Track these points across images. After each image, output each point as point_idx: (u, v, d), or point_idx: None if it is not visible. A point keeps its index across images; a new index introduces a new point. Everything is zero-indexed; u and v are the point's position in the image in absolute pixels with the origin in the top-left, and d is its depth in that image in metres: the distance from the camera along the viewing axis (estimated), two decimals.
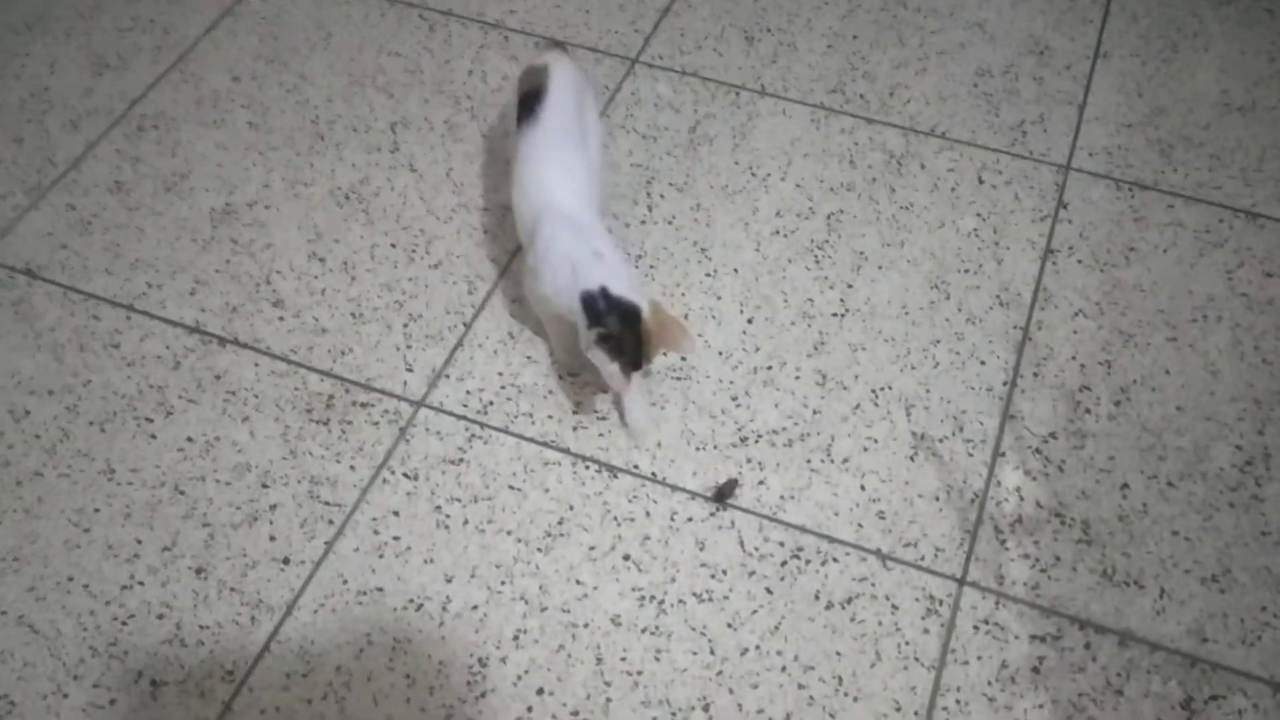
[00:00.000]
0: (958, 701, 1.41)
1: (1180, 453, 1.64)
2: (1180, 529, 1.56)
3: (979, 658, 1.45)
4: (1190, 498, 1.59)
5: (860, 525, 1.57)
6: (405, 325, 1.80)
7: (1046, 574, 1.52)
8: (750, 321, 1.79)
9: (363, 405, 1.70)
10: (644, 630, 1.48)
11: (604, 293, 1.50)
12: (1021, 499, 1.59)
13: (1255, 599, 1.50)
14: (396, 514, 1.59)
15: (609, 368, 1.49)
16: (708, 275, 1.85)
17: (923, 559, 1.54)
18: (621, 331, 1.49)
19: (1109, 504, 1.58)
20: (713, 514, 1.58)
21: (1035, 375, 1.72)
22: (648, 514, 1.58)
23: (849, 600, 1.50)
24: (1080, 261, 1.86)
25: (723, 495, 1.59)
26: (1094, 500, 1.59)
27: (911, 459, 1.63)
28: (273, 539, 1.57)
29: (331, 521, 1.58)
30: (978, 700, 1.41)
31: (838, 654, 1.45)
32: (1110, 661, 1.45)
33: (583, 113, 1.71)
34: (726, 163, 2.00)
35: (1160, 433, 1.65)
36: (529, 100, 1.68)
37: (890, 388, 1.71)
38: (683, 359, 1.73)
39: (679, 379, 1.72)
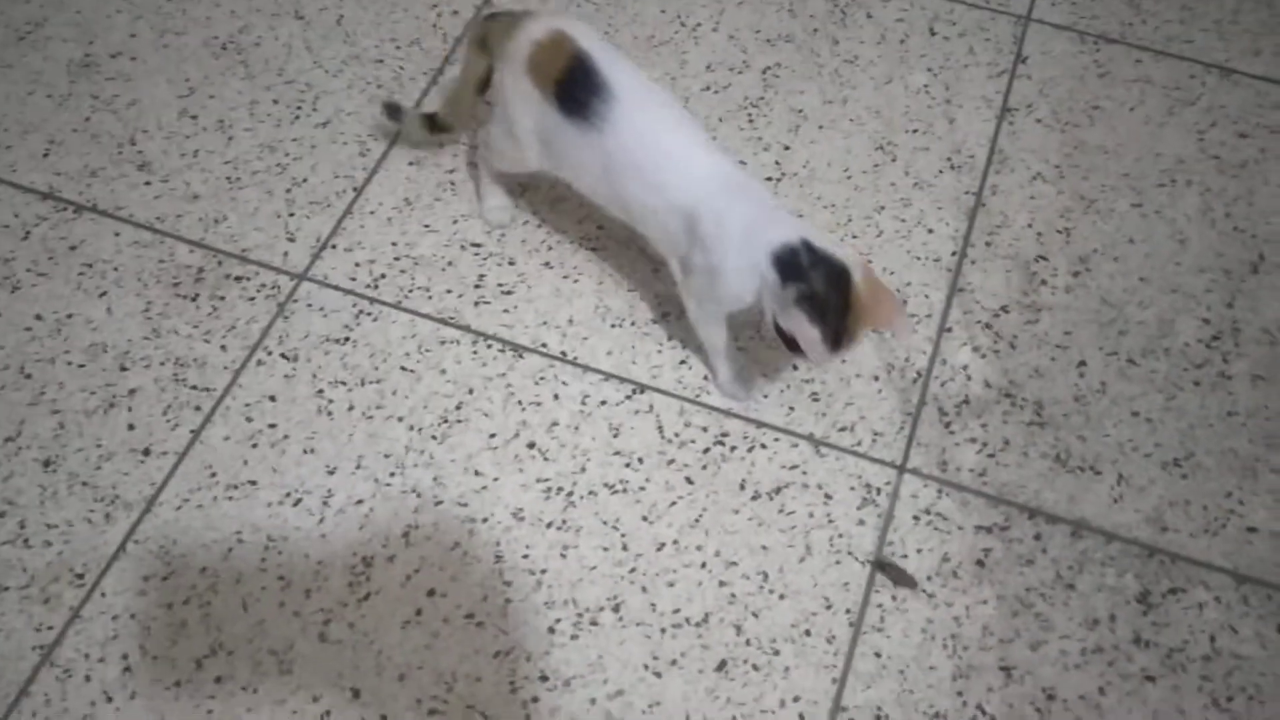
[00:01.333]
0: (894, 598, 1.28)
1: (1143, 327, 1.49)
2: (1141, 410, 1.42)
3: (919, 550, 1.31)
4: (1152, 376, 1.44)
5: (791, 409, 1.41)
6: (288, 190, 1.60)
7: (994, 459, 1.38)
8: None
9: (237, 279, 1.51)
10: (549, 525, 1.32)
11: (807, 245, 1.21)
12: (969, 378, 1.44)
13: (1220, 484, 1.37)
14: (273, 399, 1.41)
15: (810, 333, 1.19)
16: None
17: (859, 444, 1.39)
18: (827, 291, 1.20)
19: (1064, 383, 1.44)
20: (628, 397, 1.42)
21: (988, 244, 1.56)
22: (556, 397, 1.41)
23: (777, 490, 1.35)
24: (1039, 121, 1.69)
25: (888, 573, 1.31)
26: (1048, 379, 1.44)
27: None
28: (131, 427, 1.38)
29: (199, 408, 1.40)
30: (916, 596, 1.28)
31: (764, 548, 1.31)
32: (1062, 553, 1.32)
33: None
34: (652, 11, 1.80)
35: (1122, 306, 1.50)
36: (573, 84, 1.31)
37: None
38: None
39: (593, 249, 1.54)
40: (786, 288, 1.21)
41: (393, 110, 1.55)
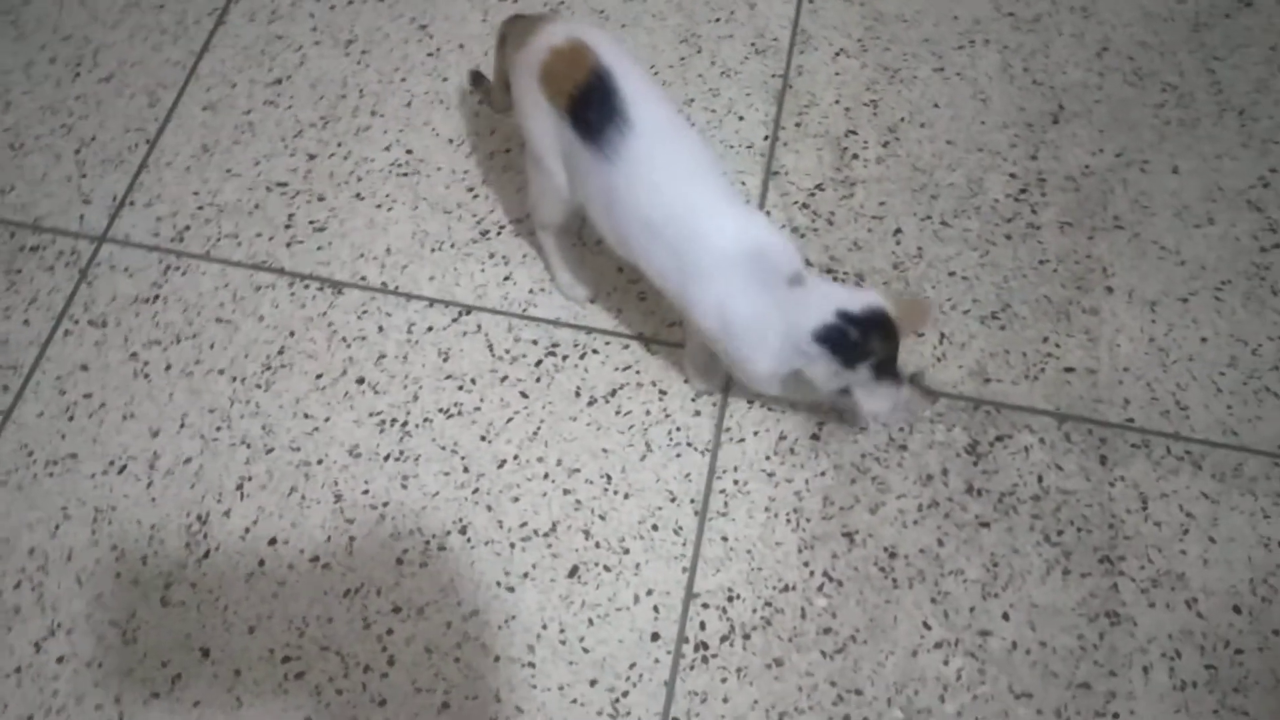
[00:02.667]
0: (735, 482, 1.30)
1: (953, 189, 1.52)
2: (957, 269, 1.45)
3: (755, 433, 1.33)
4: (966, 235, 1.47)
5: (620, 310, 1.41)
6: (77, 151, 1.52)
7: None
8: (482, 102, 1.57)
9: (33, 249, 1.44)
10: (387, 457, 1.30)
11: (846, 317, 1.12)
12: None
13: (1036, 331, 1.41)
14: (85, 368, 1.35)
15: (900, 396, 1.17)
16: (430, 55, 1.62)
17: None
18: (886, 344, 1.14)
19: (882, 253, 1.46)
20: (455, 319, 1.40)
21: (798, 125, 1.57)
22: (380, 329, 1.39)
23: (613, 393, 1.35)
24: None
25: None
26: (867, 251, 1.46)
27: None
28: None
29: (6, 387, 1.34)
30: (756, 477, 1.30)
31: (604, 451, 1.31)
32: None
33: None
34: None
35: (932, 170, 1.53)
36: (589, 103, 1.15)
37: None
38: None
39: (405, 174, 1.51)
40: (858, 369, 1.13)
41: (476, 79, 1.44)
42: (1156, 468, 1.32)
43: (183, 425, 1.32)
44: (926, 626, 1.22)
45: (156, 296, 1.40)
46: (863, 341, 1.12)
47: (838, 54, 1.63)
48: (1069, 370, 1.38)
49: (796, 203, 1.50)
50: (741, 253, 1.13)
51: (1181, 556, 1.27)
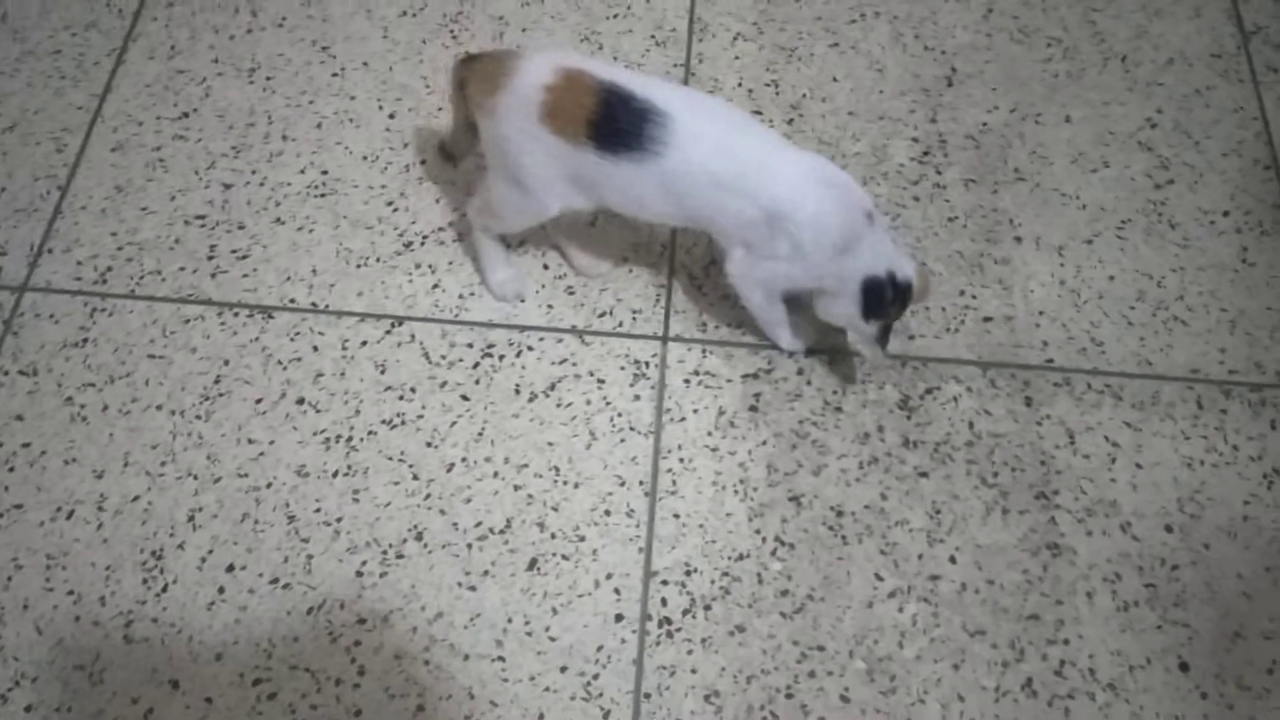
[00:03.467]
0: (681, 460, 1.33)
1: (859, 158, 1.56)
2: None
3: (695, 410, 1.36)
4: (876, 200, 1.52)
5: (550, 306, 1.44)
6: None
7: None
8: (392, 116, 1.59)
9: None
10: (335, 474, 1.31)
11: (892, 279, 1.23)
12: (711, 241, 1.49)
13: (953, 285, 1.46)
14: (20, 418, 1.35)
15: (875, 351, 1.29)
16: (335, 75, 1.63)
17: (621, 325, 1.43)
18: (899, 315, 1.28)
19: None
20: (388, 332, 1.41)
21: None
22: (315, 349, 1.40)
23: (552, 387, 1.37)
24: None
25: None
26: None
27: (591, 224, 1.49)
28: None
29: None
30: (700, 453, 1.33)
31: (550, 444, 1.34)
32: (824, 382, 1.39)
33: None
34: None
35: (837, 142, 1.57)
36: (613, 119, 1.19)
37: None
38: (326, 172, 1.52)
39: (322, 195, 1.52)
40: (870, 321, 1.26)
41: (446, 152, 1.45)
42: (1079, 403, 1.38)
43: (126, 464, 1.32)
44: (879, 578, 1.26)
45: (85, 340, 1.40)
46: (891, 305, 1.24)
47: (735, 39, 1.67)
48: (987, 320, 1.44)
49: None
50: (824, 180, 1.23)
51: (1112, 484, 1.32)
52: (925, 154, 1.57)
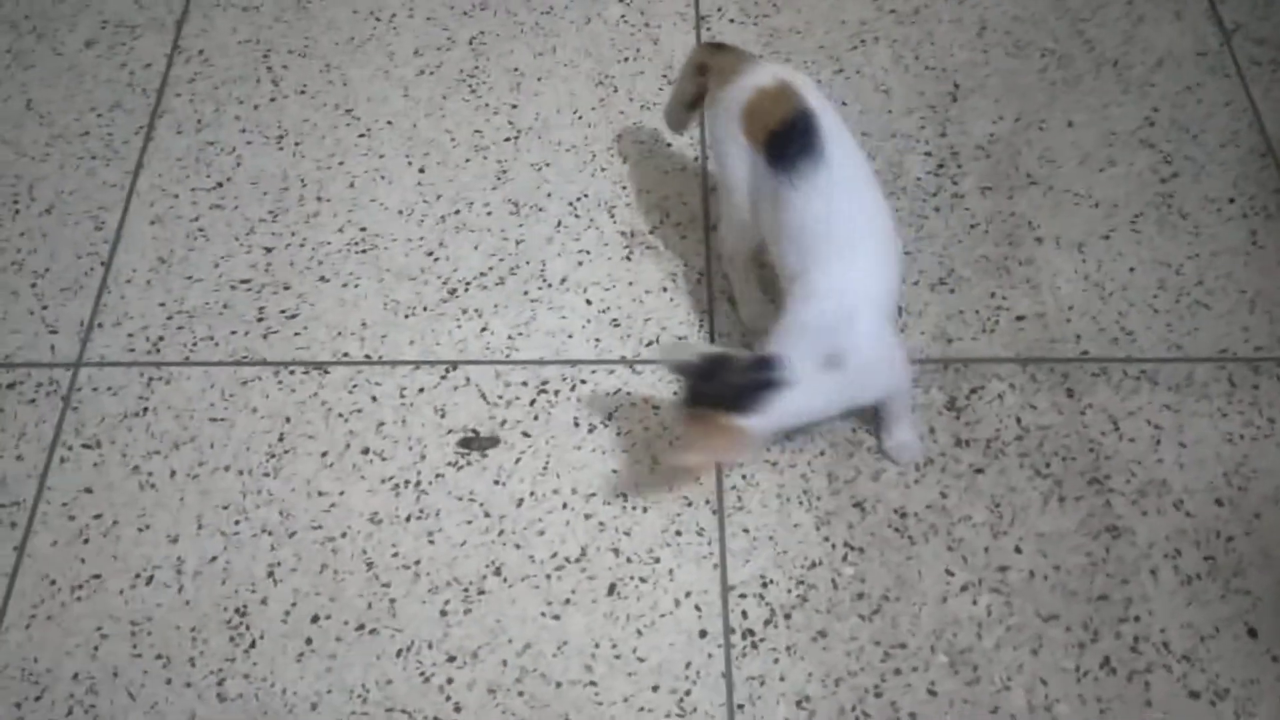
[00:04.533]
0: (744, 477, 1.37)
1: (878, 175, 1.61)
2: None
3: None
4: (899, 214, 1.58)
5: (598, 340, 1.48)
6: (33, 285, 1.54)
7: None
8: (422, 171, 1.63)
9: (9, 387, 1.45)
10: (408, 518, 1.34)
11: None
12: None
13: (983, 288, 1.51)
14: (89, 490, 1.36)
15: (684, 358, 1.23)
16: (361, 136, 1.67)
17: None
18: (715, 388, 1.19)
19: None
20: (443, 377, 1.45)
21: None
22: (374, 399, 1.43)
23: (609, 416, 1.41)
24: (733, 20, 1.80)
25: (470, 445, 1.40)
26: None
27: (628, 259, 1.54)
28: None
29: (14, 524, 1.34)
30: (761, 469, 1.38)
31: (614, 471, 1.37)
32: None
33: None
34: (344, 14, 1.80)
35: None
36: (789, 139, 1.23)
37: (587, 195, 1.60)
38: (362, 230, 1.55)
39: (363, 251, 1.55)
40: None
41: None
42: (1118, 390, 1.43)
43: (200, 526, 1.33)
44: (949, 573, 1.30)
45: (145, 409, 1.42)
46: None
47: None
48: (1020, 318, 1.49)
49: None
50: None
51: (1159, 465, 1.37)
52: (940, 166, 1.63)
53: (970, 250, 1.55)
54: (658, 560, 1.31)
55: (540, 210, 1.59)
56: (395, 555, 1.31)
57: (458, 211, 1.59)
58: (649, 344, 1.47)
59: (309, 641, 1.26)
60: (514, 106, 1.70)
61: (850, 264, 1.21)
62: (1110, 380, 1.43)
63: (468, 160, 1.64)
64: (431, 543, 1.32)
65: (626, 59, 1.75)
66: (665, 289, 1.51)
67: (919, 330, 1.48)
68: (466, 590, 1.29)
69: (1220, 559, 1.31)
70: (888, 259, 1.25)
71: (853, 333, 1.19)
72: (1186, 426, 1.40)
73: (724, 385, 1.17)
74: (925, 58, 1.75)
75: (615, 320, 1.49)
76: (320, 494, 1.36)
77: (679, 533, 1.33)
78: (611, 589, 1.29)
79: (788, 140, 1.23)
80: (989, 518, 1.34)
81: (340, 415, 1.41)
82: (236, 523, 1.34)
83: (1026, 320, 1.49)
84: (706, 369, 1.18)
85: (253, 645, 1.26)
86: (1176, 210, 1.58)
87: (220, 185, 1.62)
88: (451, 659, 1.25)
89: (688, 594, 1.29)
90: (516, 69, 1.73)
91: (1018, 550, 1.32)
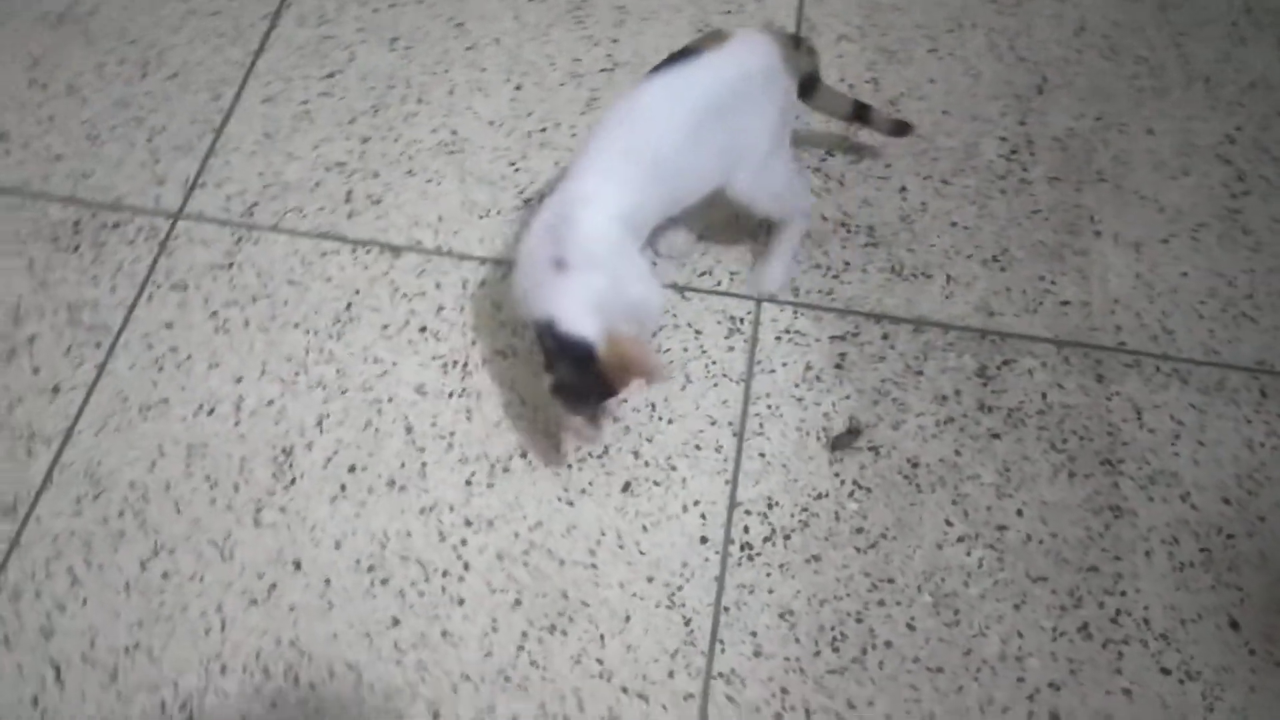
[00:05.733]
0: (769, 406, 1.43)
1: (951, 152, 1.67)
2: (959, 220, 1.60)
3: (784, 364, 1.46)
4: (965, 191, 1.62)
5: (654, 265, 1.55)
6: (149, 140, 1.67)
7: (839, 279, 1.54)
8: (519, 89, 1.73)
9: (114, 226, 1.58)
10: (450, 394, 1.43)
11: (551, 329, 1.19)
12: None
13: (1033, 270, 1.56)
14: (170, 326, 1.49)
15: (570, 422, 1.30)
16: (468, 49, 1.77)
17: (719, 285, 1.54)
18: (576, 379, 1.21)
19: (891, 207, 1.61)
20: (505, 276, 1.54)
21: None
22: (438, 286, 1.53)
23: (654, 334, 1.48)
24: None
25: (839, 445, 1.42)
26: (875, 206, 1.61)
27: None
28: (36, 371, 1.45)
29: (99, 344, 1.47)
30: (787, 401, 1.43)
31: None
32: (907, 347, 1.49)
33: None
34: None
35: (931, 137, 1.68)
36: (671, 58, 1.33)
37: None
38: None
39: (451, 153, 1.65)
40: (550, 371, 1.23)
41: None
42: (1148, 383, 1.46)
43: (263, 372, 1.45)
44: (949, 524, 1.35)
45: (231, 264, 1.54)
46: (557, 358, 1.22)
47: (839, 39, 1.79)
48: (1065, 303, 1.53)
49: (809, 167, 1.65)
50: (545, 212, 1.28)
51: (1175, 458, 1.40)
52: (1013, 152, 1.67)
53: (1028, 234, 1.59)
54: (674, 468, 1.39)
55: None
56: (434, 425, 1.41)
57: (544, 130, 1.68)
58: (701, 275, 1.54)
59: (343, 488, 1.36)
60: (615, 41, 1.78)
61: (584, 173, 1.25)
62: (1142, 373, 1.47)
63: (562, 85, 1.73)
64: (468, 419, 1.42)
65: (729, 11, 1.82)
66: (726, 228, 1.59)
67: (963, 300, 1.53)
68: (493, 466, 1.38)
69: (1217, 553, 1.34)
70: (637, 178, 1.26)
71: (574, 234, 1.22)
72: (1209, 427, 1.43)
73: (567, 364, 1.21)
74: (1019, 49, 1.79)
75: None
76: (375, 361, 1.46)
77: (698, 447, 1.40)
78: (626, 486, 1.37)
79: (668, 60, 1.30)
80: (997, 480, 1.38)
81: (405, 295, 1.52)
82: (296, 374, 1.45)
83: (1071, 306, 1.53)
84: (561, 377, 1.23)
85: (293, 483, 1.37)
86: (1241, 226, 1.61)
87: (331, 76, 1.73)
88: (469, 524, 1.34)
89: (696, 502, 1.36)
90: (623, 6, 1.82)
91: (1019, 514, 1.36)
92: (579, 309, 1.18)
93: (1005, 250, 1.57)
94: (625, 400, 1.36)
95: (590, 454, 1.40)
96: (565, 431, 1.33)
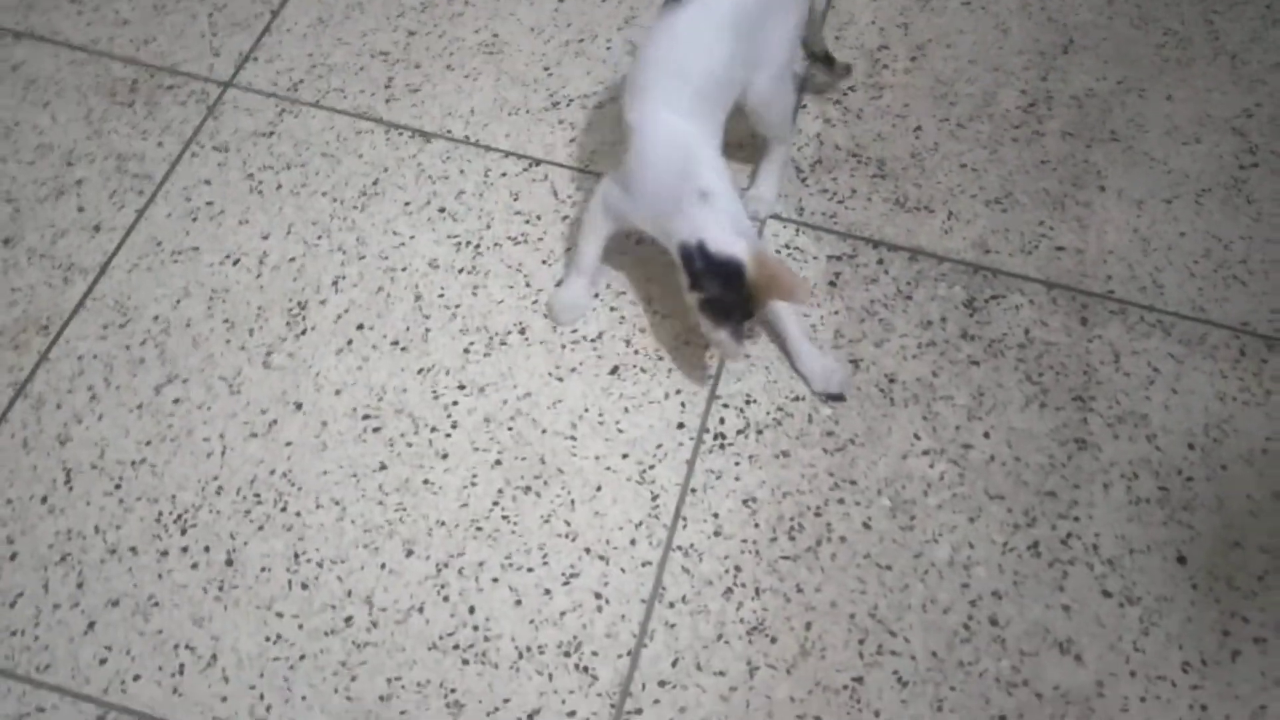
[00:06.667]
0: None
1: (970, 98, 1.72)
2: (968, 162, 1.65)
3: None
4: (978, 135, 1.68)
5: None
6: (210, 15, 1.77)
7: (843, 204, 1.60)
8: (562, 1, 1.80)
9: (168, 88, 1.68)
10: (460, 270, 1.52)
11: (703, 250, 1.29)
12: (821, 143, 1.66)
13: (1034, 216, 1.61)
14: (208, 182, 1.58)
15: (715, 335, 1.34)
16: None
17: None
18: (724, 294, 1.30)
19: (903, 144, 1.67)
20: (525, 169, 1.62)
21: (837, 38, 1.78)
22: (461, 172, 1.61)
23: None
24: None
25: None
26: (889, 141, 1.67)
27: None
28: (81, 210, 1.55)
29: (141, 192, 1.57)
30: (782, 309, 1.49)
31: (648, 280, 1.52)
32: (900, 273, 1.54)
33: None
34: None
35: (952, 82, 1.73)
36: None
37: None
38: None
39: (490, 53, 1.73)
40: (691, 291, 1.33)
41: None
42: (1130, 331, 1.51)
43: (289, 232, 1.54)
44: (916, 437, 1.41)
45: (272, 132, 1.63)
46: (705, 278, 1.31)
47: None
48: (1060, 249, 1.58)
49: (830, 99, 1.71)
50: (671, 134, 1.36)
51: (1146, 401, 1.45)
52: (1031, 105, 1.72)
53: (1034, 181, 1.64)
54: (661, 359, 1.46)
55: None
56: (441, 296, 1.50)
57: (581, 40, 1.75)
58: None
59: (350, 342, 1.45)
60: None
61: (665, 108, 1.33)
62: (1126, 320, 1.52)
63: (603, 0, 1.80)
64: (474, 294, 1.50)
65: None
66: (742, 145, 1.65)
67: (961, 235, 1.58)
68: (491, 339, 1.47)
69: (1175, 492, 1.39)
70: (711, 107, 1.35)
71: (704, 168, 1.32)
72: (1184, 377, 1.47)
73: (718, 281, 1.30)
74: (1050, 9, 1.83)
75: None
76: (394, 233, 1.55)
77: (687, 342, 1.47)
78: (614, 370, 1.45)
79: None
80: (969, 403, 1.44)
81: (429, 177, 1.60)
82: (319, 237, 1.54)
83: (1065, 252, 1.58)
84: (712, 295, 1.31)
85: (303, 333, 1.46)
86: (1245, 195, 1.64)
87: None
88: (462, 387, 1.43)
89: (678, 391, 1.44)
90: None
91: (986, 436, 1.42)
92: (727, 232, 1.29)
93: (1009, 194, 1.62)
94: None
95: (584, 337, 1.47)
96: (712, 344, 1.40)
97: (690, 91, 1.33)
